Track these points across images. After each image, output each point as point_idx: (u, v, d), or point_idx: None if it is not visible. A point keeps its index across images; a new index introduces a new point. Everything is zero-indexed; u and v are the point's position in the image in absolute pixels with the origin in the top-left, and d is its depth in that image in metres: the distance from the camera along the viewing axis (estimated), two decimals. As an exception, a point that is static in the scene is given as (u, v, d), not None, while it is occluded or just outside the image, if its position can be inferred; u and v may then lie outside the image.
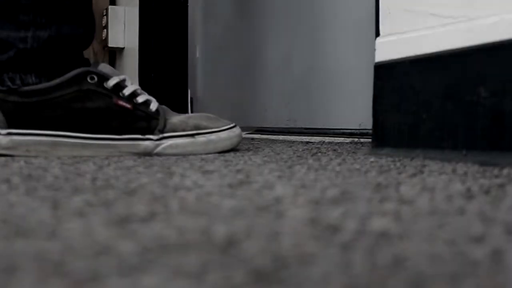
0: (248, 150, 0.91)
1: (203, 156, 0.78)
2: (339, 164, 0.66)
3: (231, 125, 0.85)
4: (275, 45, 1.72)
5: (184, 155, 0.79)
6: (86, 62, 0.82)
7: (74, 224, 0.34)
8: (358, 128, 1.28)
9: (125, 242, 0.29)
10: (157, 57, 1.76)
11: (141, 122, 0.79)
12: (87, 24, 0.81)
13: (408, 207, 0.39)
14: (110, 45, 2.29)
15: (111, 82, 0.78)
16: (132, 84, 0.81)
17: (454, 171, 0.58)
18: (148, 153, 0.78)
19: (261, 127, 1.67)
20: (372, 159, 0.72)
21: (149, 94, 0.84)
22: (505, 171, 0.56)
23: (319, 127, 1.43)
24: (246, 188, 0.48)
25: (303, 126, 1.47)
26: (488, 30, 0.66)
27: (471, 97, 0.66)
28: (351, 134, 1.27)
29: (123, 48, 2.31)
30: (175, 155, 0.78)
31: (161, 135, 0.79)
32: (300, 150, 0.91)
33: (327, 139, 1.25)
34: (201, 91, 2.10)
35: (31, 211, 0.38)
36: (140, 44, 1.83)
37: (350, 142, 1.11)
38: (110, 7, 2.31)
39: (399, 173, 0.56)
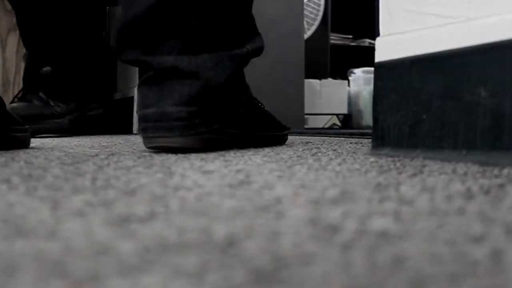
0: (248, 150, 0.91)
1: (203, 156, 0.78)
2: (339, 164, 0.66)
3: None
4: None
5: None
6: None
7: (74, 224, 0.34)
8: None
9: (125, 242, 0.29)
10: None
11: None
12: None
13: (408, 207, 0.39)
14: (110, 44, 2.29)
15: None
16: None
17: (454, 171, 0.58)
18: None
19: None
20: (372, 159, 0.72)
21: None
22: (505, 171, 0.56)
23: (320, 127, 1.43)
24: (246, 188, 0.48)
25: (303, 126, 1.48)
26: (488, 30, 0.66)
27: (471, 97, 0.66)
28: (351, 134, 1.27)
29: (123, 48, 2.31)
30: None
31: None
32: (300, 150, 0.91)
33: (327, 139, 1.25)
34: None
35: (31, 211, 0.38)
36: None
37: (350, 142, 1.11)
38: (110, 7, 2.31)
39: (399, 173, 0.56)
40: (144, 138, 0.88)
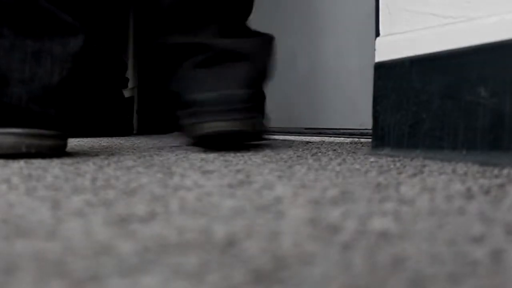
0: (248, 150, 0.91)
1: (203, 156, 0.78)
2: (339, 164, 0.66)
3: None
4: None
5: None
6: None
7: (74, 224, 0.34)
8: (359, 128, 1.28)
9: (125, 242, 0.29)
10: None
11: None
12: None
13: (408, 207, 0.39)
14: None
15: None
16: None
17: (454, 171, 0.58)
18: None
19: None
20: (372, 159, 0.71)
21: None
22: (505, 171, 0.56)
23: (320, 127, 1.43)
24: (246, 188, 0.48)
25: (303, 126, 1.47)
26: (488, 30, 0.66)
27: (471, 97, 0.66)
28: (351, 134, 1.26)
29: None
30: None
31: None
32: (300, 150, 0.91)
33: (327, 139, 1.25)
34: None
35: (31, 211, 0.38)
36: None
37: (350, 142, 1.11)
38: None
39: (399, 173, 0.57)
40: (195, 124, 0.81)
